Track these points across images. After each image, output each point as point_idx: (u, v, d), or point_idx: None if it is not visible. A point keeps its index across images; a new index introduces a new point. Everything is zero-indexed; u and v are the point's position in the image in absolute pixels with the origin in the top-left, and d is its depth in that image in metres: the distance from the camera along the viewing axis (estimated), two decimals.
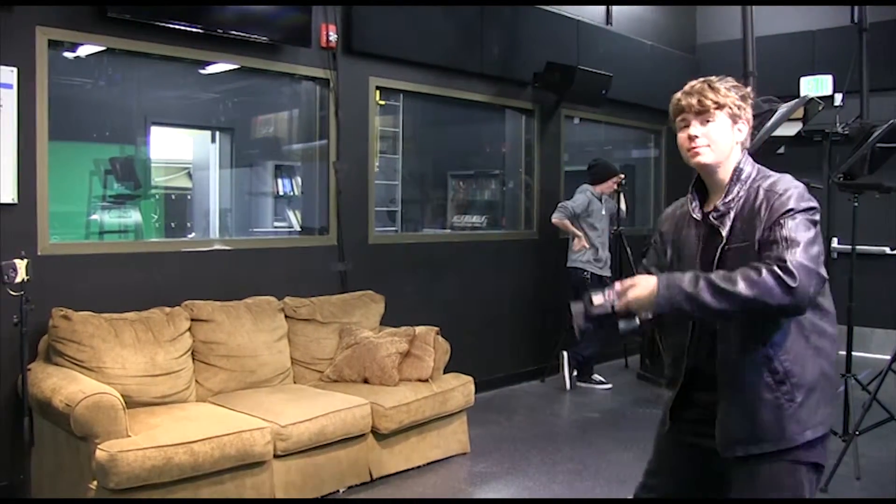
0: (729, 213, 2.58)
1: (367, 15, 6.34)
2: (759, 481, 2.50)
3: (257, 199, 7.69)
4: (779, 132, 4.94)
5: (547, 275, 8.07)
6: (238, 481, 4.28)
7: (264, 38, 5.66)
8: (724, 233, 2.56)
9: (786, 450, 2.46)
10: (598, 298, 2.54)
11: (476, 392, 5.58)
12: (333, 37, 6.13)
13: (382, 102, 6.85)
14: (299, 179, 7.37)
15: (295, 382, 5.42)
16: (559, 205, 7.60)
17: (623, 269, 8.05)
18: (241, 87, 6.93)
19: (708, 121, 2.58)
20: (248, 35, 5.52)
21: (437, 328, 5.62)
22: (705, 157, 2.59)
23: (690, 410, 2.68)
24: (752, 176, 2.60)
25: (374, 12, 6.37)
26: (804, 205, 2.44)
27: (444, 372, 5.55)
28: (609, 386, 7.69)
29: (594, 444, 5.91)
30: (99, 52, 5.26)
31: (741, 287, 2.31)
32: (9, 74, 4.52)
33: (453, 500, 4.29)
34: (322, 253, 6.24)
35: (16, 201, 4.58)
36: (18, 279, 3.87)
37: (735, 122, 2.61)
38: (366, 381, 5.35)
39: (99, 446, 3.85)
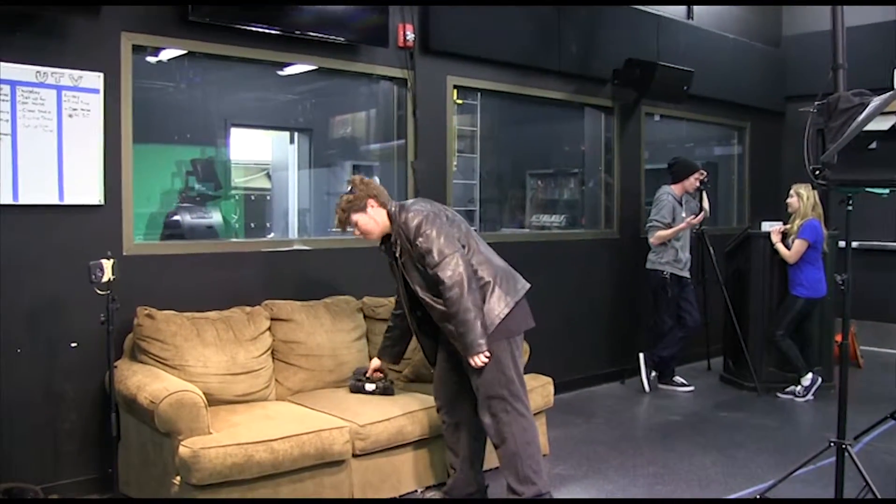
0: (397, 243, 4.29)
1: (445, 14, 6.36)
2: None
3: (336, 198, 7.72)
4: (871, 127, 4.80)
5: (626, 275, 7.99)
6: (317, 480, 4.34)
7: (341, 39, 5.72)
8: (398, 253, 4.31)
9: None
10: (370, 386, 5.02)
11: (555, 393, 5.55)
12: (411, 36, 6.17)
13: (460, 101, 6.86)
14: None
15: None
16: (648, 225, 7.44)
17: (705, 269, 7.93)
18: (319, 87, 6.99)
19: (353, 221, 4.39)
20: (325, 36, 5.59)
21: None
22: (372, 235, 4.43)
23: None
24: (396, 218, 4.30)
25: (451, 11, 6.39)
26: (417, 225, 4.19)
27: (523, 373, 5.52)
28: (691, 388, 7.58)
29: (675, 447, 5.83)
30: (180, 56, 5.38)
31: (455, 311, 4.09)
32: (95, 79, 4.67)
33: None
34: None
35: (102, 203, 4.73)
36: (105, 279, 4.01)
37: (367, 208, 4.36)
38: None
39: (182, 443, 3.94)
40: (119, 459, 4.44)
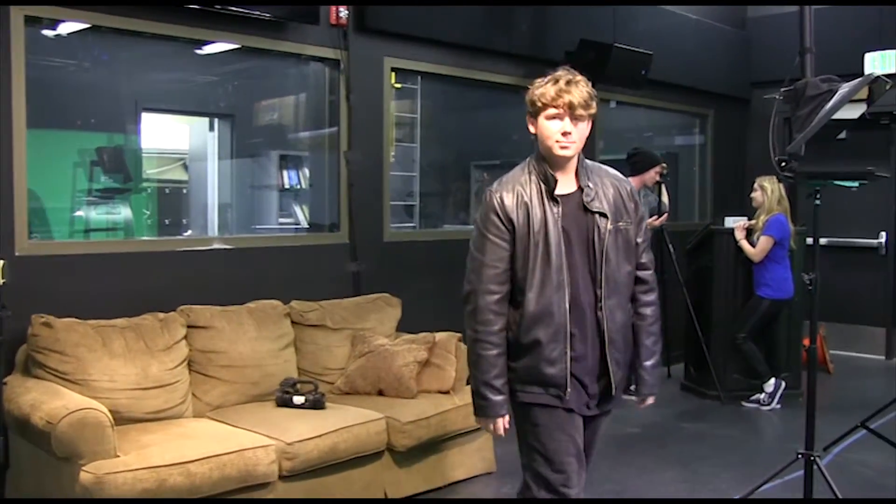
0: (598, 195, 3.24)
1: None
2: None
3: (260, 192, 7.69)
4: (839, 115, 4.84)
5: None
6: None
7: (267, 15, 5.62)
8: (609, 213, 3.22)
9: None
10: None
11: None
12: (344, 13, 6.10)
13: (399, 85, 6.81)
14: (307, 171, 7.36)
15: None
16: None
17: (665, 267, 7.94)
18: (243, 69, 6.93)
19: (579, 121, 3.15)
20: (248, 11, 5.48)
21: (459, 334, 5.51)
22: (571, 151, 3.18)
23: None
24: (588, 164, 3.31)
25: None
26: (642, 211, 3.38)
27: (467, 383, 5.46)
28: None
29: (634, 462, 5.82)
30: (83, 30, 5.24)
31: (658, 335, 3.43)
32: None
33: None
34: (332, 252, 6.21)
35: None
36: None
37: (590, 123, 3.22)
38: (381, 394, 5.31)
39: (84, 468, 3.81)
40: (8, 490, 4.30)
